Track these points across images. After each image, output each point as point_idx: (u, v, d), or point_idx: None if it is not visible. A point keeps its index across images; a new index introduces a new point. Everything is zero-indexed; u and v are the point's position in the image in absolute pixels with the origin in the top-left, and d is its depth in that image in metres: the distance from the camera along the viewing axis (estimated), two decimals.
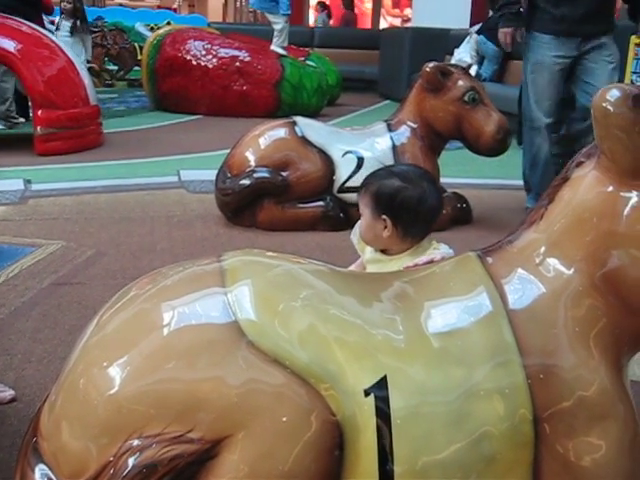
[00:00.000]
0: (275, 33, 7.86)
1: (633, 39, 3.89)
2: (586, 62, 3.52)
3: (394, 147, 3.34)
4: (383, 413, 0.98)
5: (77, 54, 6.52)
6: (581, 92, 3.55)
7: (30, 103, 5.48)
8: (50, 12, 7.18)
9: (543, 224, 1.12)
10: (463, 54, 7.74)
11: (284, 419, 0.94)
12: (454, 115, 3.26)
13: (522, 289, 1.09)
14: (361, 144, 3.38)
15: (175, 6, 27.99)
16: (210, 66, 7.67)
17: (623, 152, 1.01)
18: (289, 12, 7.83)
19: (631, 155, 1.01)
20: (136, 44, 10.73)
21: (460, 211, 3.60)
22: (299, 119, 3.48)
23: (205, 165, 4.66)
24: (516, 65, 7.30)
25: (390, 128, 3.42)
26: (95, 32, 10.86)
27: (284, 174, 3.29)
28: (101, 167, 4.81)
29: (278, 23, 7.78)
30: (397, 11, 17.97)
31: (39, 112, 5.08)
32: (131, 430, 0.94)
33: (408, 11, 15.00)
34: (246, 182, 3.28)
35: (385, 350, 1.02)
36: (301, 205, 3.37)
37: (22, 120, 6.48)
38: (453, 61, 7.18)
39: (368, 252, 1.77)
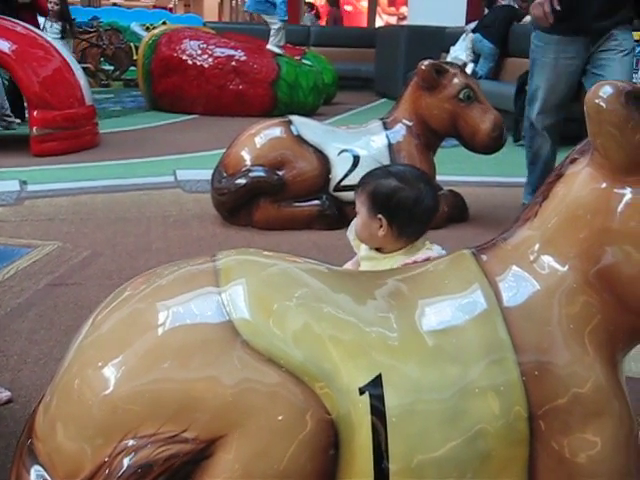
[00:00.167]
0: (272, 32, 7.87)
1: None
2: (595, 54, 3.35)
3: (390, 145, 3.34)
4: (378, 411, 0.97)
5: None
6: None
7: (25, 104, 5.47)
8: (45, 14, 7.16)
9: (537, 221, 1.12)
10: (459, 52, 7.75)
11: (279, 418, 0.93)
12: (449, 113, 3.26)
13: (516, 286, 1.09)
14: (357, 142, 3.38)
15: (171, 6, 27.99)
16: (206, 66, 7.67)
17: (616, 149, 1.01)
18: (286, 18, 7.86)
19: (624, 151, 1.01)
20: (132, 44, 10.71)
21: (456, 209, 3.60)
22: (294, 118, 3.48)
23: (201, 165, 4.65)
24: (512, 62, 7.32)
25: (386, 126, 3.42)
26: (90, 32, 10.86)
27: (280, 173, 3.28)
28: (97, 167, 4.80)
29: (275, 23, 7.79)
30: (393, 9, 17.99)
31: (35, 113, 5.07)
32: (126, 430, 0.94)
33: (404, 9, 14.99)
34: (242, 181, 3.28)
35: (380, 348, 1.02)
36: (297, 204, 3.37)
37: (17, 120, 6.47)
38: (449, 59, 7.18)
39: (363, 249, 1.78)
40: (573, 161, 1.11)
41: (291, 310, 1.02)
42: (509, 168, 4.84)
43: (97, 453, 0.95)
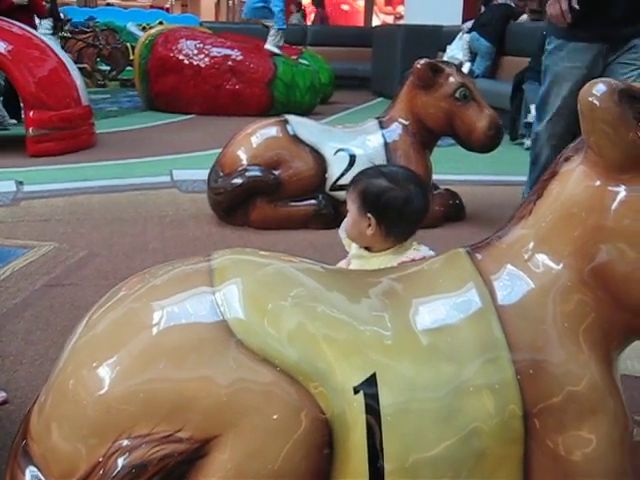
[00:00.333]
0: (271, 32, 7.85)
1: None
2: (611, 66, 3.05)
3: (386, 144, 3.34)
4: (373, 410, 0.97)
5: None
6: None
7: (22, 104, 5.46)
8: (43, 15, 7.16)
9: (532, 219, 1.12)
10: (455, 51, 7.75)
11: (273, 417, 0.93)
12: (445, 112, 3.26)
13: (511, 285, 1.09)
14: (353, 142, 3.37)
15: (167, 5, 27.97)
16: (202, 65, 7.67)
17: (610, 146, 1.01)
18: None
19: (618, 149, 1.01)
20: (128, 44, 10.71)
21: (453, 208, 3.60)
22: (290, 117, 3.48)
23: (197, 165, 4.65)
24: (508, 61, 7.33)
25: (382, 125, 3.41)
26: (87, 32, 10.85)
27: (276, 173, 3.28)
28: (93, 168, 4.79)
29: (274, 25, 7.78)
30: (389, 9, 17.99)
31: (31, 113, 5.06)
32: (120, 430, 0.94)
33: (401, 8, 15.01)
34: (238, 181, 3.28)
35: (374, 347, 1.02)
36: (293, 203, 3.37)
37: (13, 121, 6.46)
38: (445, 58, 7.18)
39: (354, 248, 1.80)
40: (567, 159, 1.11)
41: (286, 310, 1.02)
42: (506, 167, 4.85)
43: (91, 453, 0.95)
